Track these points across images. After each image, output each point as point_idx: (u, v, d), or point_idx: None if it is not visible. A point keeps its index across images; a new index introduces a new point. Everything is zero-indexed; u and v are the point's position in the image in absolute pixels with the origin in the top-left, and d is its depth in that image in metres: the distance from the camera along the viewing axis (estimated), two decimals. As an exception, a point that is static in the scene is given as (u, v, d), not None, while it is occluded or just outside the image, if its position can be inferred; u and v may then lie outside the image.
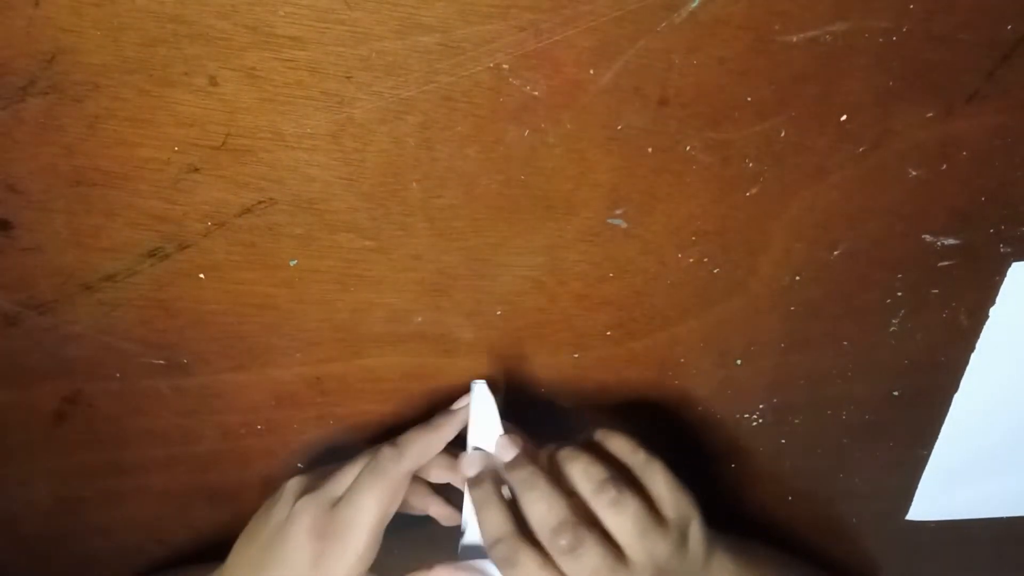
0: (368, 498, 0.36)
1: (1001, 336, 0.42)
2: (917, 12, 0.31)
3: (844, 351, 0.43)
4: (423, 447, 0.38)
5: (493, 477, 0.38)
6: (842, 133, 0.34)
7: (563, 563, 0.35)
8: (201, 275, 0.37)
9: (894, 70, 0.33)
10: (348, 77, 0.31)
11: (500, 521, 0.36)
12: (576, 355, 0.41)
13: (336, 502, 0.37)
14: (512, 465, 0.38)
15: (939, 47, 0.32)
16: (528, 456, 0.38)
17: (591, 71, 0.32)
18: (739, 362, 0.43)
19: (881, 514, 0.50)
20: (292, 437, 0.43)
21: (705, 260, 0.38)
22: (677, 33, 0.31)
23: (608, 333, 0.41)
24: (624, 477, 0.36)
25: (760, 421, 0.45)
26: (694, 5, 0.30)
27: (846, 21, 0.31)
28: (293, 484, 0.38)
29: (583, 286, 0.39)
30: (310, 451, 0.45)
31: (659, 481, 0.37)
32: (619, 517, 0.35)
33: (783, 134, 0.34)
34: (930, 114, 0.34)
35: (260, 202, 0.35)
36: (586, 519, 0.35)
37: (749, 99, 0.33)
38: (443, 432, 0.39)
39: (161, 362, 0.40)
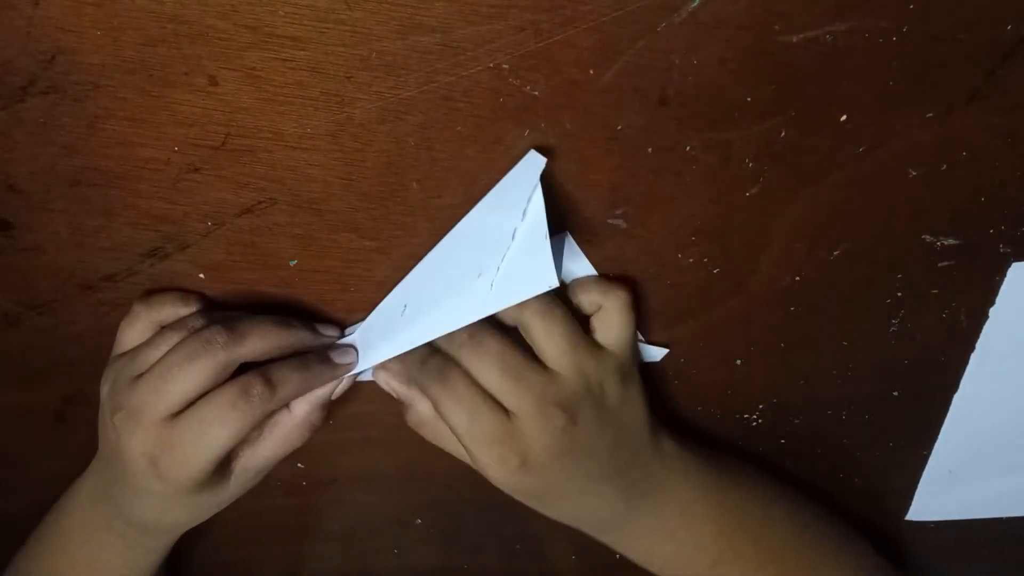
0: (219, 434, 0.33)
1: (1001, 336, 0.42)
2: (917, 12, 0.31)
3: (844, 351, 0.43)
4: (297, 389, 0.35)
5: None
6: (842, 133, 0.34)
7: (470, 360, 0.35)
8: (201, 275, 0.37)
9: (894, 70, 0.33)
10: (348, 77, 0.31)
11: (426, 348, 0.36)
12: (576, 355, 0.41)
13: (175, 414, 0.33)
14: None
15: (939, 47, 0.32)
16: None
17: (591, 71, 0.32)
18: (739, 362, 0.43)
19: (881, 514, 0.50)
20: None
21: (705, 260, 0.38)
22: (677, 33, 0.31)
23: (608, 333, 0.41)
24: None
25: (760, 421, 0.45)
26: (694, 5, 0.30)
27: (846, 21, 0.31)
28: (115, 388, 0.34)
29: (583, 286, 0.39)
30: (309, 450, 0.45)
31: (612, 313, 0.36)
32: (533, 332, 0.35)
33: (783, 134, 0.34)
34: (930, 114, 0.34)
35: (260, 202, 0.35)
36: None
37: (749, 99, 0.33)
38: (318, 381, 0.36)
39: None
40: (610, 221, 0.37)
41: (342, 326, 0.39)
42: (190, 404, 0.33)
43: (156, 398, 0.33)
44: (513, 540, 0.50)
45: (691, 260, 0.38)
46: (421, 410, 0.37)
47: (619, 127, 0.33)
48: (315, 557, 0.51)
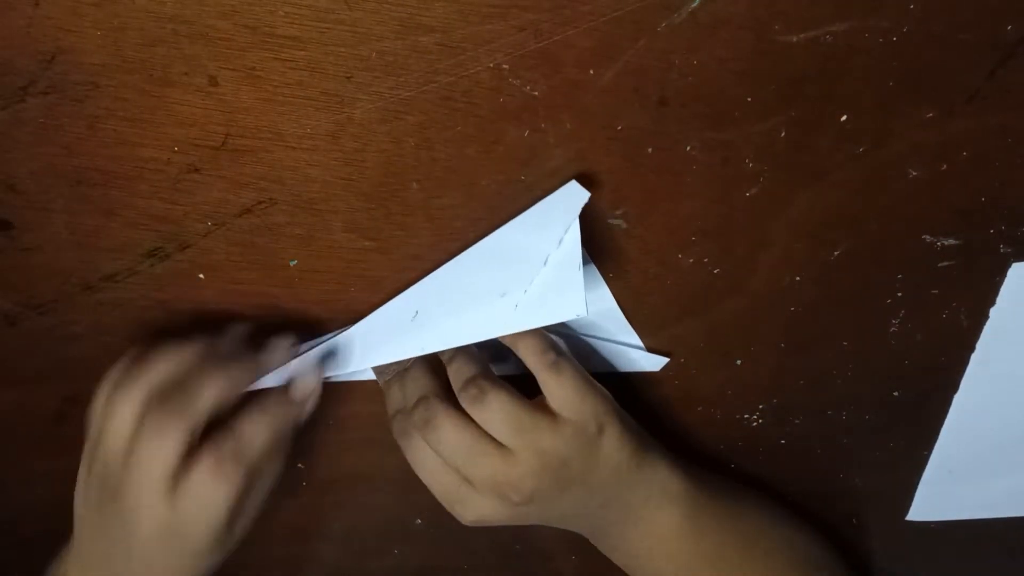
0: (220, 500, 0.33)
1: (1001, 336, 0.42)
2: (917, 12, 0.31)
3: (844, 351, 0.43)
4: (269, 439, 0.35)
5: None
6: (842, 133, 0.34)
7: (427, 437, 0.35)
8: (201, 275, 0.37)
9: (894, 70, 0.33)
10: (348, 77, 0.31)
11: (398, 397, 0.37)
12: (576, 355, 0.41)
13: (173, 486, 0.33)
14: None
15: (939, 47, 0.32)
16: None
17: (591, 71, 0.32)
18: (739, 362, 0.43)
19: (881, 514, 0.50)
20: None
21: (705, 260, 0.38)
22: (677, 33, 0.31)
23: (608, 333, 0.41)
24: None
25: (760, 421, 0.45)
26: (694, 5, 0.30)
27: (846, 21, 0.31)
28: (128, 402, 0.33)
29: (583, 286, 0.39)
30: (309, 450, 0.45)
31: (563, 381, 0.36)
32: (485, 413, 0.35)
33: (783, 134, 0.34)
34: (930, 114, 0.34)
35: (260, 202, 0.35)
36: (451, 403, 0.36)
37: (749, 99, 0.33)
38: (283, 422, 0.36)
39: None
40: (610, 221, 0.37)
41: (338, 326, 0.39)
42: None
43: (150, 474, 0.33)
44: (513, 540, 0.50)
45: (691, 260, 0.38)
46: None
47: (619, 127, 0.33)
48: (315, 557, 0.51)
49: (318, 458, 0.45)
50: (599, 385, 0.38)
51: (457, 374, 0.37)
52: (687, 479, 0.41)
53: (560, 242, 0.35)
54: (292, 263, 0.37)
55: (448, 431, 0.35)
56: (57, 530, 0.43)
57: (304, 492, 0.47)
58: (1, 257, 0.36)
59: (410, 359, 0.39)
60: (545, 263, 0.36)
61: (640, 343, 0.41)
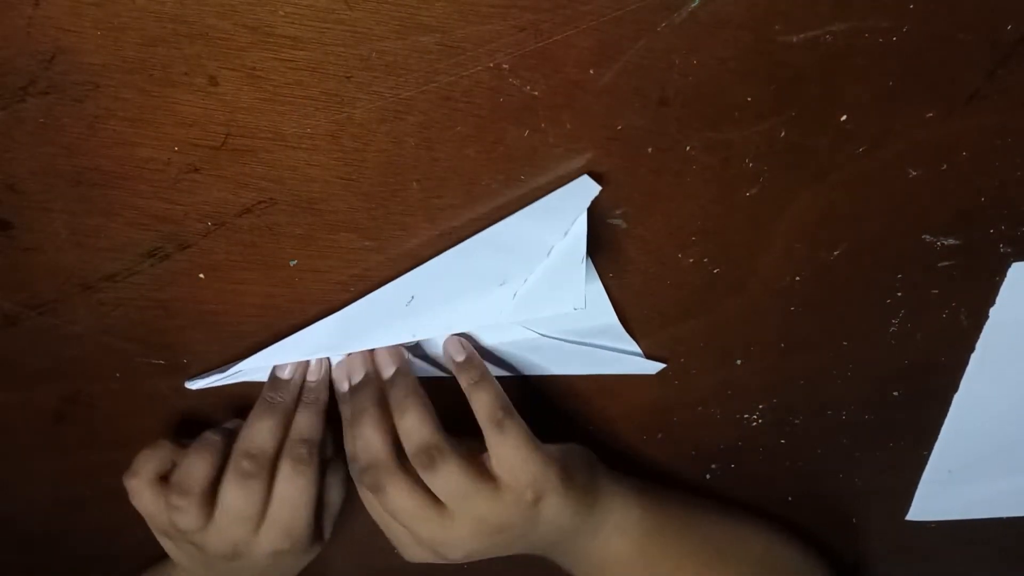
0: (302, 499, 0.38)
1: (1001, 336, 0.42)
2: (917, 12, 0.31)
3: (844, 351, 0.43)
4: (321, 426, 0.39)
5: (372, 393, 0.38)
6: (842, 133, 0.34)
7: (428, 478, 0.36)
8: (201, 275, 0.37)
9: (894, 70, 0.33)
10: (348, 77, 0.31)
11: (375, 446, 0.37)
12: (576, 355, 0.41)
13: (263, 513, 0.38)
14: (355, 388, 0.39)
15: (939, 47, 0.32)
16: (367, 382, 0.38)
17: (591, 71, 0.32)
18: (739, 362, 0.43)
19: (881, 514, 0.50)
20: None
21: (705, 260, 0.38)
22: (677, 33, 0.31)
23: (608, 333, 0.41)
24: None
25: (760, 421, 0.45)
26: (694, 5, 0.30)
27: (846, 21, 0.31)
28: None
29: (583, 286, 0.39)
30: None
31: (508, 445, 0.37)
32: (434, 477, 0.36)
33: (783, 134, 0.34)
34: (930, 114, 0.34)
35: (260, 202, 0.35)
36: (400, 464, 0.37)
37: (749, 99, 0.33)
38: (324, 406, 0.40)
39: (161, 362, 0.40)
40: (610, 221, 0.37)
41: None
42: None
43: (248, 524, 0.38)
44: (513, 540, 0.50)
45: (691, 260, 0.38)
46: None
47: (619, 127, 0.33)
48: (315, 557, 0.51)
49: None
50: (545, 449, 0.38)
51: (408, 438, 0.37)
52: (642, 507, 0.42)
53: (566, 235, 0.35)
54: (292, 263, 0.37)
55: (393, 497, 0.36)
56: (57, 530, 0.43)
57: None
58: (1, 257, 0.36)
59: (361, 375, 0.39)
60: (548, 254, 0.36)
61: (637, 348, 0.41)
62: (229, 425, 0.40)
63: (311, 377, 0.39)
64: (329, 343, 0.38)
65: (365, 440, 0.37)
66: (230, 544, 0.38)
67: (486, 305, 0.37)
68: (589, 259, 0.37)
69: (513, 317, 0.36)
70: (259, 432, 0.37)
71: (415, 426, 0.37)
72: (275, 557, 0.39)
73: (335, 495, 0.42)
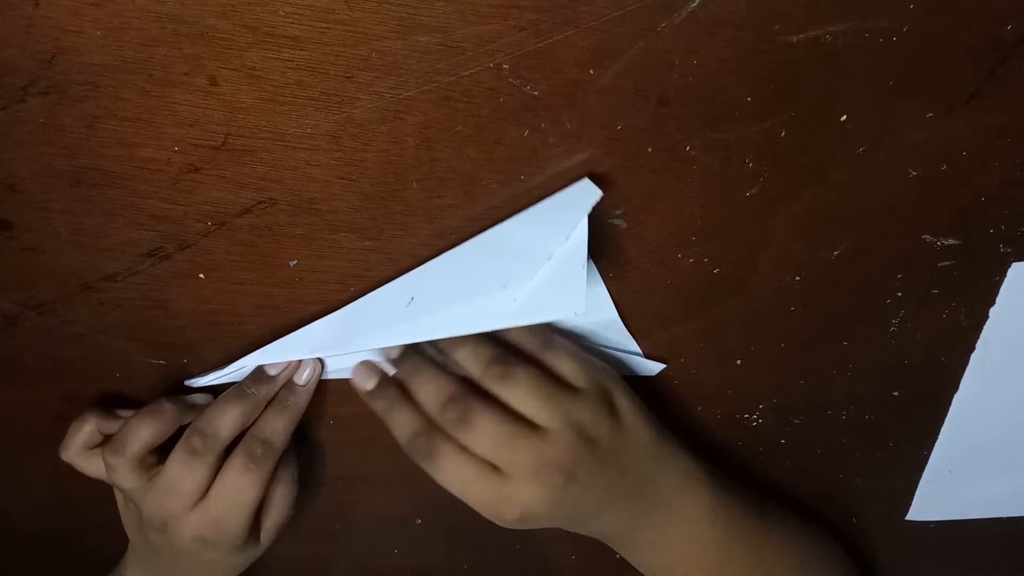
0: (246, 497, 0.37)
1: (1001, 336, 0.42)
2: (917, 12, 0.31)
3: (844, 351, 0.43)
4: (287, 431, 0.39)
5: (391, 382, 0.38)
6: (842, 133, 0.34)
7: (462, 437, 0.35)
8: (201, 275, 0.37)
9: (894, 70, 0.33)
10: (348, 77, 0.31)
11: (409, 419, 0.36)
12: (576, 355, 0.41)
13: (199, 500, 0.37)
14: (399, 360, 0.38)
15: (939, 47, 0.32)
16: (414, 349, 0.38)
17: (591, 71, 0.32)
18: (739, 362, 0.43)
19: (881, 514, 0.50)
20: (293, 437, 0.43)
21: (705, 260, 0.38)
22: (677, 33, 0.31)
23: (608, 333, 0.41)
24: (518, 355, 0.36)
25: (760, 421, 0.45)
26: (694, 5, 0.30)
27: (846, 21, 0.31)
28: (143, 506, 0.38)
29: (583, 286, 0.39)
30: (309, 448, 0.45)
31: (562, 356, 0.36)
32: (514, 389, 0.35)
33: (783, 134, 0.34)
34: (930, 114, 0.34)
35: (260, 202, 0.35)
36: (478, 394, 0.35)
37: (749, 99, 0.33)
38: (298, 410, 0.39)
39: (161, 362, 0.40)
40: (610, 221, 0.37)
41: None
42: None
43: (181, 499, 0.37)
44: (513, 540, 0.50)
45: (691, 260, 0.38)
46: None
47: (619, 127, 0.33)
48: (315, 557, 0.51)
49: (318, 458, 0.45)
50: (595, 358, 0.38)
51: (475, 357, 0.36)
52: (704, 462, 0.41)
53: (567, 239, 0.35)
54: (292, 263, 0.37)
55: (488, 423, 0.34)
56: (57, 529, 0.43)
57: (304, 492, 0.46)
58: (1, 257, 0.36)
59: (400, 350, 0.38)
60: (550, 258, 0.36)
61: (638, 348, 0.41)
62: (197, 399, 0.39)
63: (298, 380, 0.39)
64: (330, 341, 0.38)
65: (433, 384, 0.36)
66: (161, 514, 0.37)
67: (488, 308, 0.37)
68: (591, 262, 0.37)
69: (515, 321, 0.36)
70: (220, 415, 0.37)
71: (474, 350, 0.36)
72: (200, 544, 0.38)
73: (280, 508, 0.40)
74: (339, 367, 0.39)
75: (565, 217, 0.35)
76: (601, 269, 0.38)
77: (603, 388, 0.37)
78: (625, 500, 0.38)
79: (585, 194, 0.34)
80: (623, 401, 0.38)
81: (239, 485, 0.37)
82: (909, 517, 0.50)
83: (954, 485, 0.48)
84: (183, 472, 0.36)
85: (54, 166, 0.33)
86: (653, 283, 0.39)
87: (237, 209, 0.35)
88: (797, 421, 0.46)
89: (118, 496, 0.41)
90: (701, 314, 0.40)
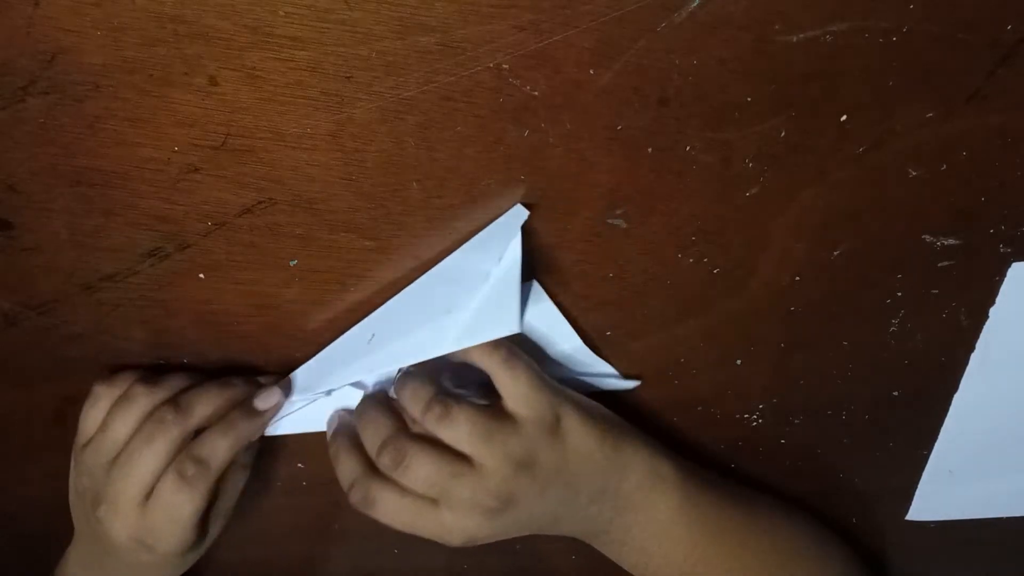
0: (185, 510, 0.36)
1: (1001, 336, 0.42)
2: (917, 12, 0.31)
3: (844, 351, 0.43)
4: (227, 454, 0.37)
5: (344, 429, 0.39)
6: (842, 133, 0.34)
7: (399, 479, 0.36)
8: (201, 275, 0.37)
9: (894, 70, 0.33)
10: (348, 77, 0.31)
11: (349, 468, 0.37)
12: (576, 355, 0.41)
13: (145, 497, 0.36)
14: (358, 405, 0.39)
15: (939, 47, 0.32)
16: (373, 394, 0.39)
17: (591, 71, 0.32)
18: (739, 362, 0.43)
19: (881, 514, 0.50)
20: (293, 437, 0.43)
21: (705, 260, 0.38)
22: (677, 33, 0.31)
23: (608, 333, 0.41)
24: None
25: (760, 421, 0.45)
26: (694, 5, 0.30)
27: (846, 21, 0.31)
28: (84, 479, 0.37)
29: (583, 286, 0.39)
30: (309, 450, 0.45)
31: (517, 373, 0.37)
32: (452, 430, 0.36)
33: (783, 134, 0.34)
34: (930, 114, 0.34)
35: (260, 202, 0.35)
36: (417, 434, 0.36)
37: (749, 99, 0.33)
38: (245, 435, 0.38)
39: (161, 362, 0.40)
40: (610, 221, 0.37)
41: (338, 327, 0.39)
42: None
43: (128, 484, 0.36)
44: (513, 540, 0.50)
45: (691, 260, 0.38)
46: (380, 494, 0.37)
47: (619, 127, 0.33)
48: (315, 557, 0.51)
49: (318, 458, 0.45)
50: (552, 380, 0.38)
51: (415, 398, 0.37)
52: (674, 460, 0.41)
53: (500, 259, 0.36)
54: (292, 263, 0.37)
55: (421, 465, 0.35)
56: (57, 529, 0.43)
57: (304, 492, 0.46)
58: (1, 257, 0.36)
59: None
60: (487, 280, 0.36)
61: (612, 369, 0.41)
62: (176, 381, 0.38)
63: (257, 403, 0.38)
64: (304, 385, 0.40)
65: (372, 427, 0.37)
66: (107, 496, 0.36)
67: (431, 335, 0.37)
68: (537, 283, 0.38)
69: (457, 344, 0.36)
70: (196, 401, 0.37)
71: (416, 389, 0.37)
72: (136, 543, 0.37)
73: (220, 518, 0.40)
74: (304, 394, 0.40)
75: (499, 240, 0.35)
76: (601, 269, 0.38)
77: (550, 411, 0.37)
78: (582, 510, 0.39)
79: (515, 216, 0.35)
80: (570, 420, 0.38)
81: (174, 501, 0.36)
82: (909, 517, 0.50)
83: (954, 485, 0.48)
84: (138, 458, 0.36)
85: (54, 166, 0.33)
86: (653, 283, 0.39)
87: (237, 209, 0.35)
88: (797, 421, 0.46)
89: (72, 481, 0.39)
90: (701, 314, 0.40)
